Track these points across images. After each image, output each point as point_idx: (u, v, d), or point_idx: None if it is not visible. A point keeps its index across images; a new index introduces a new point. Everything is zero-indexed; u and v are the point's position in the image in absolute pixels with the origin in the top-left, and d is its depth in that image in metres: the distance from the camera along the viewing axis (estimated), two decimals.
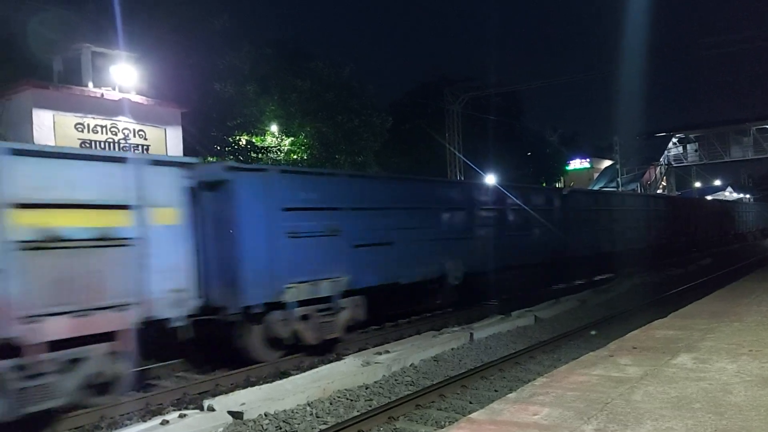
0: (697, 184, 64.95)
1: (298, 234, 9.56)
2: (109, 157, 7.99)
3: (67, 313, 6.69)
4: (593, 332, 11.79)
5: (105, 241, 7.11)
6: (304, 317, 9.62)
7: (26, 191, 6.49)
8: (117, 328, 7.18)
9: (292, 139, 26.96)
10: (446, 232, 13.17)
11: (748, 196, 70.40)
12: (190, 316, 8.06)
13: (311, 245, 9.82)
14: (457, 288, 13.33)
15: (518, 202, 16.15)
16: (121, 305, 7.20)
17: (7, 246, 6.31)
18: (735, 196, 66.84)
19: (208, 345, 9.60)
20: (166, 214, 7.83)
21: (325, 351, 10.08)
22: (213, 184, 8.74)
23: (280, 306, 9.24)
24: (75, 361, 6.87)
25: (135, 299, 7.33)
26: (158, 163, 7.97)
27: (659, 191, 53.10)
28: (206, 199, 8.63)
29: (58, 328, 6.61)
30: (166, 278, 7.69)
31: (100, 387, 7.26)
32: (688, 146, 53.22)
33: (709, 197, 50.58)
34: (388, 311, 12.65)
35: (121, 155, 8.24)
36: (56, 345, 6.63)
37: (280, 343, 9.51)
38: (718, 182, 70.62)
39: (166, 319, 7.78)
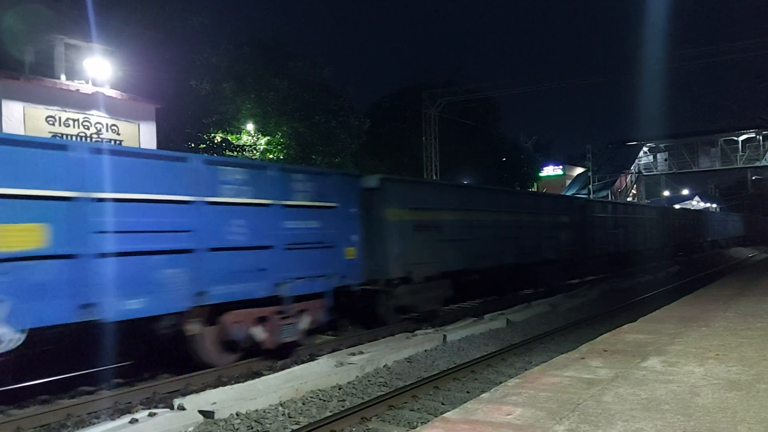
0: (666, 193, 66.15)
1: (419, 227, 12.77)
2: (322, 171, 11.74)
3: (302, 278, 9.86)
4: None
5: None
6: (418, 291, 12.70)
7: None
8: (324, 290, 10.30)
9: (269, 138, 26.77)
10: (505, 231, 16.19)
11: (714, 205, 72.00)
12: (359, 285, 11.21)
13: (425, 236, 12.98)
14: (511, 276, 17.08)
15: (565, 209, 20.13)
16: (326, 275, 10.33)
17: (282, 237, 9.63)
18: (702, 205, 68.28)
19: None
20: (350, 210, 10.98)
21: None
22: (371, 190, 11.74)
23: (407, 281, 12.41)
24: (302, 311, 9.96)
25: (333, 271, 10.47)
26: (346, 174, 11.53)
27: (629, 199, 53.95)
28: (366, 200, 11.54)
29: (297, 287, 9.78)
30: (349, 256, 10.85)
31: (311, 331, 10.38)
32: (658, 155, 54.25)
33: (677, 206, 51.54)
34: (464, 292, 15.72)
35: (328, 171, 11.84)
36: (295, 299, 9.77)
37: (402, 310, 12.69)
38: (686, 191, 72.02)
39: (350, 285, 10.92)
